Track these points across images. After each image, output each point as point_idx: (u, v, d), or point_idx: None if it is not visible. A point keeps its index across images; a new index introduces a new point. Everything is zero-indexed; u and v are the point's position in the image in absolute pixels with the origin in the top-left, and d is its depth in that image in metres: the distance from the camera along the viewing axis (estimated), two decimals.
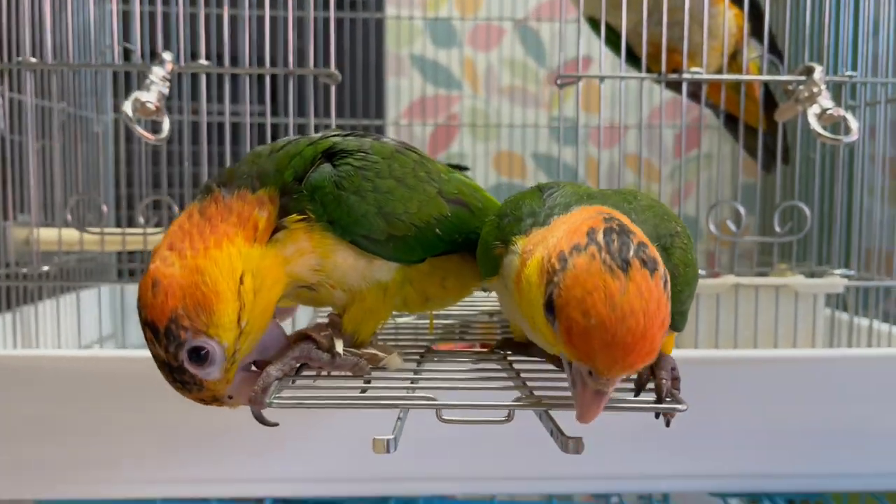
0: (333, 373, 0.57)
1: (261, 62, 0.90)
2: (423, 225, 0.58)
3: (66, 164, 1.10)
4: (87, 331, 1.10)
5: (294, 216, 0.54)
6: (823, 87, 0.83)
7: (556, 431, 0.49)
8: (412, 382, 0.57)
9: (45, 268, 0.89)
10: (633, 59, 0.94)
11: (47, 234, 0.90)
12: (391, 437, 0.48)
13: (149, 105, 0.80)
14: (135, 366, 0.84)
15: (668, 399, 0.51)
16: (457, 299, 0.68)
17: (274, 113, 1.15)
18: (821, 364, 0.84)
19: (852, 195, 0.95)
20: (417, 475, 0.88)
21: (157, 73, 0.82)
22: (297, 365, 0.55)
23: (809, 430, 0.82)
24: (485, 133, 1.84)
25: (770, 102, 0.95)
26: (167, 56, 0.84)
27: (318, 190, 0.55)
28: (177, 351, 0.49)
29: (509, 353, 0.64)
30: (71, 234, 0.90)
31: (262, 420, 0.54)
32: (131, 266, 1.29)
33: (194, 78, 0.97)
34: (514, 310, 0.55)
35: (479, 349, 0.93)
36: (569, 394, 0.52)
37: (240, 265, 0.52)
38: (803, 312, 0.89)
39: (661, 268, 0.45)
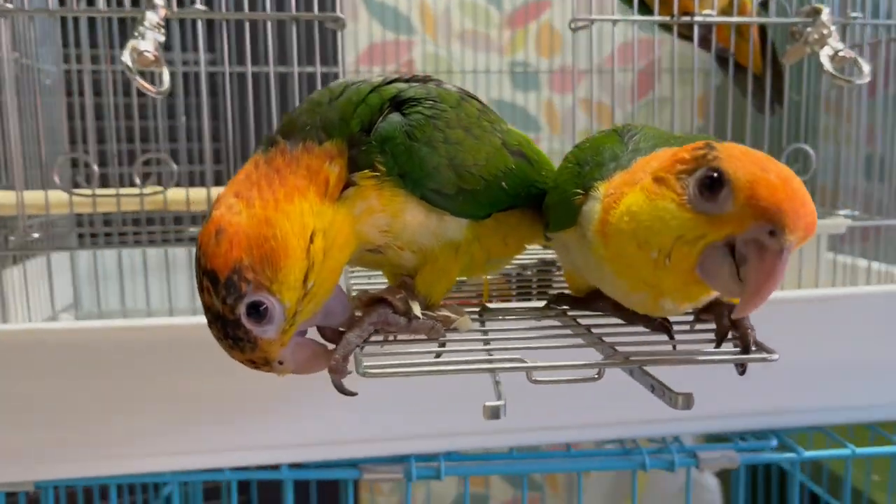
0: (406, 336, 0.55)
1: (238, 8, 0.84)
2: (491, 178, 0.56)
3: (23, 120, 1.02)
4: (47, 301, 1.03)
5: (366, 172, 0.51)
6: (833, 28, 0.84)
7: (661, 387, 0.48)
8: (485, 344, 0.55)
9: (36, 235, 0.82)
10: (642, 6, 0.92)
11: (32, 198, 0.83)
12: (501, 402, 0.46)
13: (147, 55, 0.74)
14: (125, 335, 0.79)
15: (754, 349, 0.51)
16: (513, 258, 0.66)
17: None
18: (809, 304, 0.86)
19: (838, 138, 0.97)
20: (438, 432, 0.87)
21: (151, 20, 0.76)
22: (374, 330, 0.53)
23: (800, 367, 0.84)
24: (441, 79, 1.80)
25: (763, 44, 0.96)
26: (159, 1, 0.77)
27: (388, 141, 0.51)
28: (235, 303, 0.46)
29: (567, 307, 0.63)
30: (58, 196, 0.82)
31: (342, 389, 0.52)
32: (93, 230, 1.21)
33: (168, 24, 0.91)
34: (590, 260, 0.53)
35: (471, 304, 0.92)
36: (656, 348, 0.52)
37: (311, 222, 0.49)
38: (807, 255, 0.91)
39: None
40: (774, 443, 0.91)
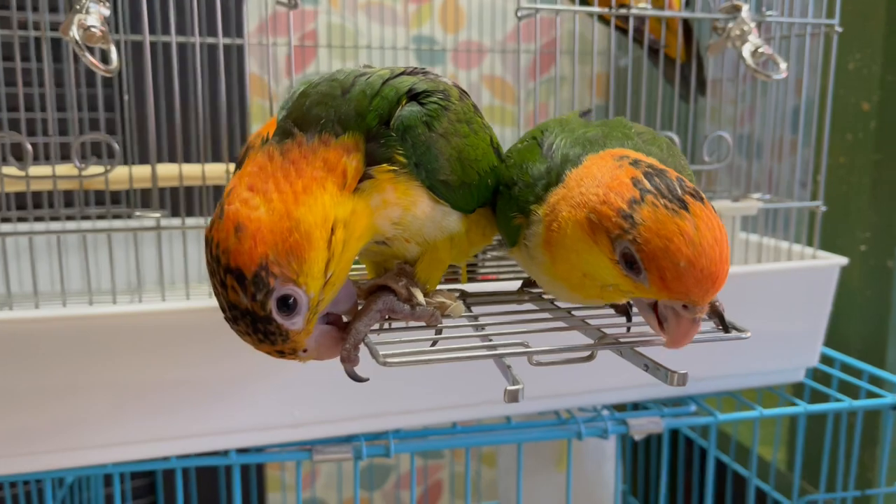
0: (402, 324, 0.56)
1: None
2: (483, 174, 0.58)
3: None
4: None
5: (384, 165, 0.52)
6: (753, 25, 0.90)
7: (655, 366, 0.52)
8: (477, 329, 0.57)
9: None
10: None
11: None
12: (520, 386, 0.48)
13: (94, 31, 0.70)
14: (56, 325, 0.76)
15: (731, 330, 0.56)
16: (482, 248, 0.68)
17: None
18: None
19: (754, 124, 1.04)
20: (385, 411, 0.89)
21: None
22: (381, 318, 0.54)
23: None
24: (342, 53, 1.78)
25: (688, 37, 1.01)
26: None
27: (409, 130, 0.52)
28: (265, 299, 0.47)
29: (541, 290, 0.66)
30: None
31: (355, 377, 0.53)
32: None
33: None
34: (543, 276, 0.57)
35: None
36: (642, 329, 0.56)
37: (332, 214, 0.49)
38: None
39: (702, 193, 0.49)
40: (693, 408, 0.98)
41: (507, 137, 1.83)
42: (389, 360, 0.49)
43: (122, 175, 0.81)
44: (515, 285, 0.69)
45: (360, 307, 0.54)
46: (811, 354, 1.02)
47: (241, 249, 0.46)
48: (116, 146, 0.76)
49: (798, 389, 1.10)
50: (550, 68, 1.88)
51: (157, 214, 0.78)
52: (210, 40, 1.61)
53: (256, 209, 0.47)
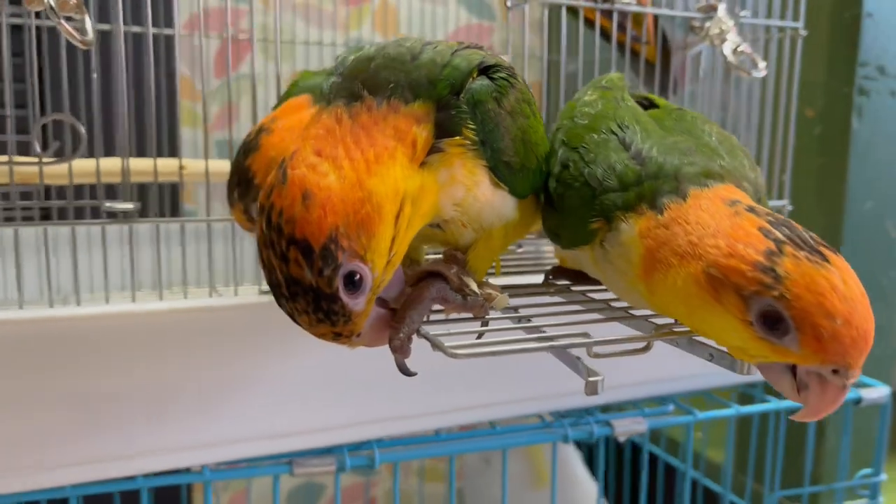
0: (445, 315, 0.52)
1: None
2: (540, 158, 0.55)
3: None
4: None
5: (456, 139, 0.47)
6: (731, 23, 0.91)
7: (721, 355, 0.50)
8: (520, 321, 0.54)
9: None
10: None
11: None
12: (601, 377, 0.45)
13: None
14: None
15: None
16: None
17: None
18: None
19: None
20: (369, 419, 0.84)
21: None
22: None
23: None
24: (269, 49, 1.71)
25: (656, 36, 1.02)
26: None
27: (479, 104, 0.49)
28: (332, 275, 0.42)
29: (568, 283, 0.63)
30: None
31: (406, 370, 0.48)
32: None
33: None
34: (623, 284, 0.53)
35: None
36: None
37: (402, 187, 0.45)
38: None
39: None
40: (671, 407, 0.98)
41: None
42: (458, 351, 0.45)
43: (87, 167, 0.73)
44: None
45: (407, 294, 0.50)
46: None
47: (310, 219, 0.41)
48: (82, 129, 0.69)
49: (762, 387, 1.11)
50: None
51: (130, 206, 0.70)
52: (135, 28, 1.52)
53: (326, 176, 0.42)
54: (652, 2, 0.96)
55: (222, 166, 0.83)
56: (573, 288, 0.62)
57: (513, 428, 0.91)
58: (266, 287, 0.93)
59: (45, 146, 0.68)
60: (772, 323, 0.43)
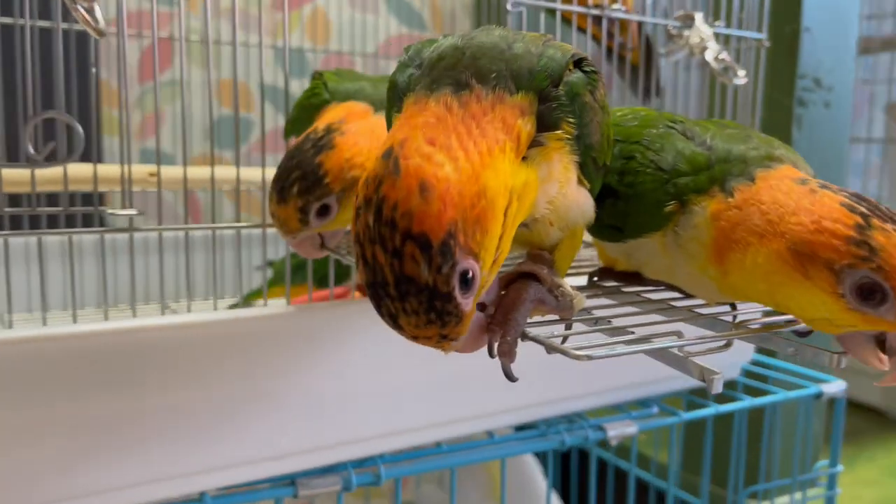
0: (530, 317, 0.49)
1: None
2: (612, 156, 0.54)
3: None
4: None
5: (558, 133, 0.45)
6: (711, 32, 0.94)
7: (803, 348, 0.50)
8: (597, 322, 0.52)
9: None
10: None
11: None
12: (719, 374, 0.44)
13: None
14: None
15: None
16: None
17: None
18: None
19: None
20: (372, 434, 0.80)
21: None
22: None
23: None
24: (202, 57, 1.63)
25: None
26: None
27: (577, 98, 0.47)
28: (450, 272, 0.39)
29: (618, 284, 0.62)
30: None
31: (511, 375, 0.46)
32: None
33: None
34: (689, 269, 0.54)
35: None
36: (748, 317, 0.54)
37: (510, 183, 0.43)
38: None
39: None
40: (655, 409, 0.99)
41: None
42: (584, 353, 0.43)
43: (83, 172, 0.66)
44: None
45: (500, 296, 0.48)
46: (746, 352, 1.07)
47: (429, 212, 0.38)
48: (80, 129, 0.62)
49: (732, 385, 1.14)
50: None
51: (133, 212, 0.64)
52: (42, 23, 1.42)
53: (442, 167, 0.39)
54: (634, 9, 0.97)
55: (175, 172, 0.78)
56: (624, 289, 0.61)
57: (510, 437, 0.89)
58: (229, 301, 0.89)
59: (35, 149, 0.61)
60: (868, 294, 0.44)
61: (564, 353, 0.43)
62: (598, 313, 0.53)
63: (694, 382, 1.05)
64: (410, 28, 1.81)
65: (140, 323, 0.66)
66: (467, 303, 0.41)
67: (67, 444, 0.65)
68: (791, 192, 0.49)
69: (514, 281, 0.48)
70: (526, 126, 0.45)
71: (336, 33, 1.74)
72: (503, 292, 0.48)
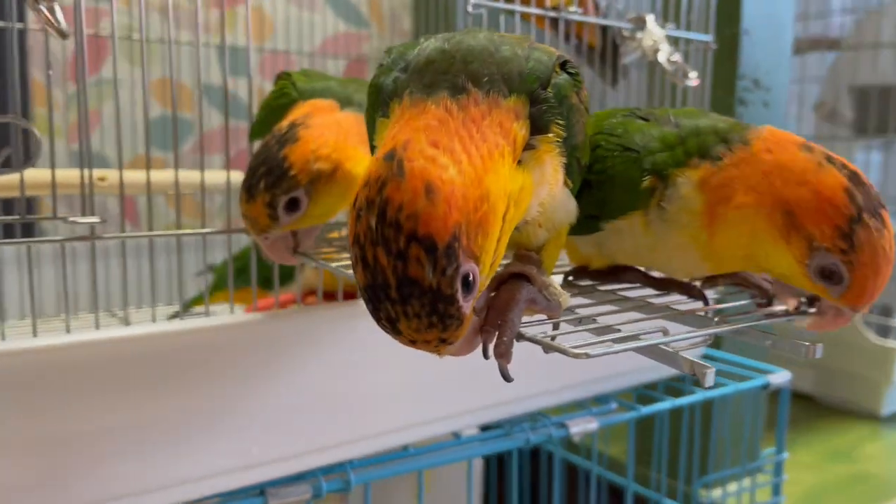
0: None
1: None
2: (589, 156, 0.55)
3: None
4: None
5: (549, 136, 0.46)
6: (663, 35, 0.96)
7: (780, 340, 0.52)
8: (581, 322, 0.53)
9: None
10: None
11: None
12: (712, 368, 0.45)
13: None
14: None
15: None
16: None
17: None
18: None
19: None
20: (341, 441, 0.79)
21: None
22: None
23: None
24: (132, 53, 1.58)
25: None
26: None
27: (565, 100, 0.48)
28: (454, 275, 0.39)
29: (593, 283, 0.63)
30: None
31: (507, 376, 0.46)
32: None
33: None
34: (679, 239, 0.55)
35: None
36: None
37: (508, 188, 0.43)
38: None
39: None
40: (614, 405, 1.01)
41: None
42: (582, 351, 0.43)
43: (40, 177, 0.63)
44: None
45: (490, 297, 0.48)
46: (698, 348, 1.10)
47: (435, 214, 0.38)
48: (37, 133, 0.60)
49: (680, 379, 1.17)
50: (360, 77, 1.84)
51: (95, 219, 0.62)
52: None
53: (446, 169, 0.39)
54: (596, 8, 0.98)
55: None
56: (599, 288, 0.62)
57: (476, 437, 0.89)
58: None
59: None
60: (829, 275, 0.50)
61: (563, 352, 0.43)
62: (581, 312, 0.54)
63: (646, 378, 1.07)
64: (355, 26, 1.79)
65: (100, 335, 0.64)
66: (467, 306, 0.41)
67: (27, 461, 0.62)
68: (797, 159, 0.52)
69: (504, 282, 0.48)
70: (521, 130, 0.45)
71: (281, 31, 1.72)
72: (493, 293, 0.48)
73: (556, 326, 0.50)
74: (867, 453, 1.42)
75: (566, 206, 0.52)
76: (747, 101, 1.29)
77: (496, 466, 1.48)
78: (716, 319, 0.54)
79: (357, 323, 0.77)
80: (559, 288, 0.51)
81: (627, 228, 0.57)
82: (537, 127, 0.47)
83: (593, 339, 0.47)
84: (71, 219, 0.61)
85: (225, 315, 0.72)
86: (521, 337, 0.46)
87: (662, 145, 0.55)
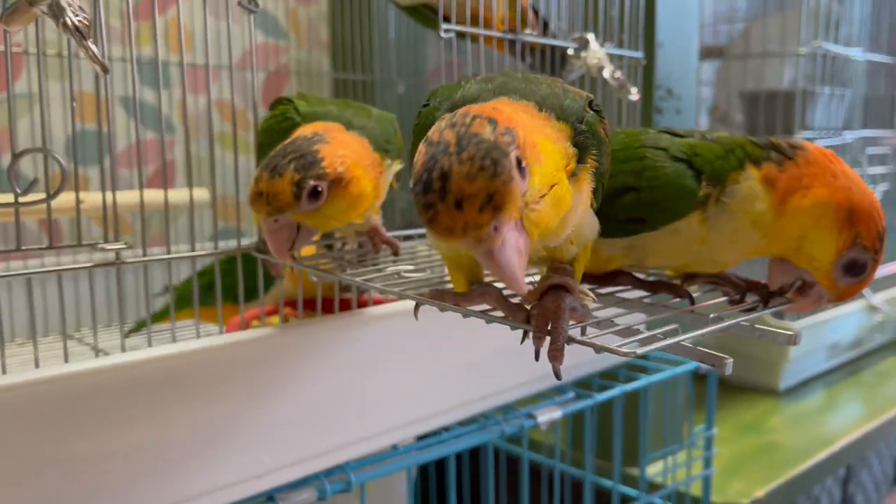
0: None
1: None
2: (617, 163, 0.63)
3: None
4: None
5: (588, 165, 0.52)
6: (605, 53, 1.05)
7: (764, 332, 0.60)
8: (599, 323, 0.59)
9: None
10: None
11: None
12: (730, 359, 0.52)
13: (81, 15, 0.56)
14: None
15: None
16: None
17: None
18: None
19: None
20: (343, 443, 0.83)
21: None
22: None
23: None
24: (60, 68, 1.54)
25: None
26: None
27: (596, 134, 0.54)
28: (510, 141, 0.44)
29: (591, 286, 0.70)
30: None
31: (559, 375, 0.52)
32: None
33: None
34: (740, 225, 0.65)
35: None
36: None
37: (560, 175, 0.50)
38: None
39: None
40: (571, 394, 1.09)
41: (241, 165, 1.75)
42: (638, 350, 0.50)
43: (68, 202, 0.64)
44: None
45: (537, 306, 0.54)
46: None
47: (502, 118, 0.44)
48: (62, 162, 0.61)
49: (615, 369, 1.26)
50: (280, 91, 1.86)
51: (122, 245, 0.64)
52: None
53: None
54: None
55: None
56: (599, 291, 0.69)
57: (458, 432, 0.95)
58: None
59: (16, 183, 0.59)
60: (852, 267, 0.61)
61: (615, 352, 0.50)
62: (599, 315, 0.61)
63: (585, 371, 1.15)
64: (274, 38, 1.80)
65: (124, 359, 0.66)
66: (519, 180, 0.43)
67: (36, 484, 0.63)
68: (852, 172, 0.63)
69: (545, 292, 0.54)
70: (571, 149, 0.51)
71: (199, 43, 1.70)
72: (538, 302, 0.54)
73: (583, 330, 0.57)
74: (771, 425, 1.56)
75: (592, 225, 0.59)
76: (662, 109, 1.40)
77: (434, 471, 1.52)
78: (711, 316, 0.62)
79: (355, 333, 0.81)
80: (589, 294, 0.57)
81: (685, 227, 0.65)
82: (578, 157, 0.53)
83: (620, 339, 0.54)
84: (100, 245, 0.62)
85: (242, 333, 0.75)
86: (571, 341, 0.52)
87: (713, 155, 0.65)
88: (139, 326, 1.11)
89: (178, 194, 0.94)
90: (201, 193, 1.01)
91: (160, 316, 1.14)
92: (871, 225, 0.60)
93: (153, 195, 0.88)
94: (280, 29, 1.82)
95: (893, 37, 2.02)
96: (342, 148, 0.69)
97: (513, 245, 0.43)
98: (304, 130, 0.72)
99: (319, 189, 0.67)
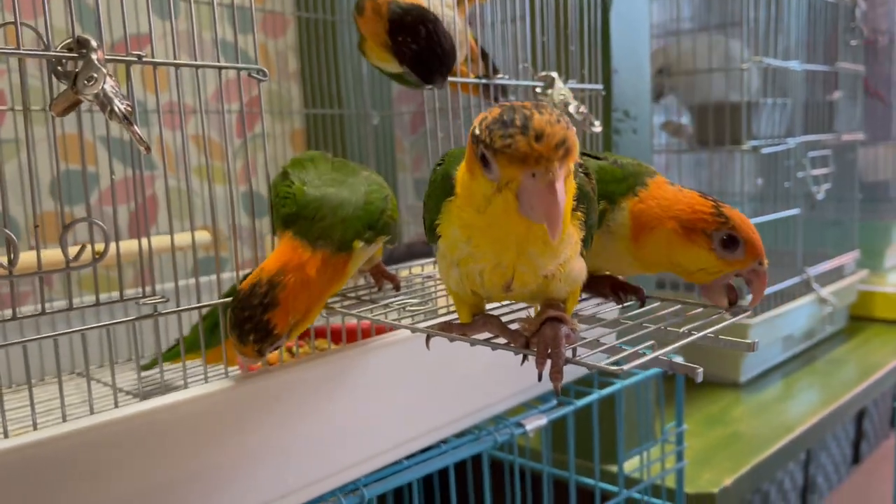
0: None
1: None
2: None
3: None
4: None
5: (580, 215, 0.62)
6: (568, 90, 1.14)
7: (727, 342, 0.70)
8: (589, 345, 0.69)
9: None
10: None
11: None
12: (700, 368, 0.62)
13: (126, 106, 0.64)
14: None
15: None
16: None
17: None
18: None
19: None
20: (358, 460, 0.91)
21: (99, 61, 0.65)
22: None
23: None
24: (44, 115, 1.59)
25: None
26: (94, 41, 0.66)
27: (586, 194, 0.65)
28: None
29: None
30: None
31: (559, 393, 0.61)
32: None
33: None
34: (618, 248, 0.76)
35: None
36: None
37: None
38: None
39: None
40: (554, 402, 1.18)
41: (219, 194, 1.81)
42: (625, 366, 0.59)
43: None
44: None
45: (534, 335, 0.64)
46: None
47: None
48: (103, 227, 0.68)
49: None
50: (255, 126, 1.92)
51: (162, 299, 0.71)
52: None
53: None
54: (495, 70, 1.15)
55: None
56: (582, 314, 0.79)
57: (455, 443, 1.04)
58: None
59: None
60: (728, 243, 0.70)
61: (606, 370, 0.59)
62: (587, 335, 0.71)
63: (576, 375, 1.25)
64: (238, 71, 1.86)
65: (158, 403, 0.72)
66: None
67: None
68: (668, 191, 0.75)
69: (544, 323, 0.64)
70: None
71: (173, 78, 1.76)
72: (538, 331, 0.63)
73: (574, 351, 0.66)
74: (735, 416, 1.67)
75: (581, 269, 0.67)
76: (620, 129, 1.51)
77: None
78: (681, 331, 0.72)
79: (361, 363, 0.90)
80: (577, 325, 0.67)
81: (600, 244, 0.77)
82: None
83: (607, 357, 0.64)
84: (142, 301, 0.70)
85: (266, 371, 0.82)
86: (567, 361, 0.62)
87: (613, 178, 0.76)
88: (151, 364, 1.17)
89: (184, 237, 1.01)
90: (203, 236, 1.08)
91: (169, 357, 1.20)
92: (702, 216, 0.70)
93: (161, 240, 0.95)
94: (250, 61, 1.88)
95: (828, 46, 2.16)
96: (293, 299, 0.75)
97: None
98: (273, 260, 0.77)
99: (279, 343, 0.77)
